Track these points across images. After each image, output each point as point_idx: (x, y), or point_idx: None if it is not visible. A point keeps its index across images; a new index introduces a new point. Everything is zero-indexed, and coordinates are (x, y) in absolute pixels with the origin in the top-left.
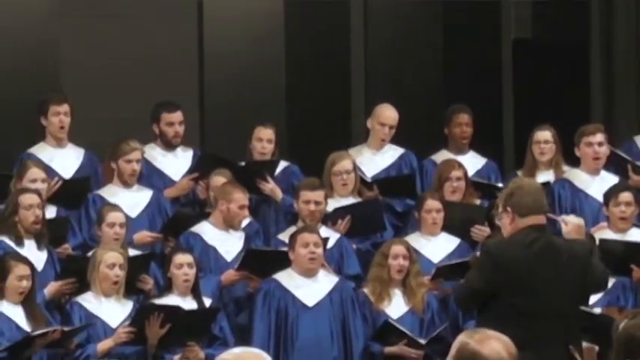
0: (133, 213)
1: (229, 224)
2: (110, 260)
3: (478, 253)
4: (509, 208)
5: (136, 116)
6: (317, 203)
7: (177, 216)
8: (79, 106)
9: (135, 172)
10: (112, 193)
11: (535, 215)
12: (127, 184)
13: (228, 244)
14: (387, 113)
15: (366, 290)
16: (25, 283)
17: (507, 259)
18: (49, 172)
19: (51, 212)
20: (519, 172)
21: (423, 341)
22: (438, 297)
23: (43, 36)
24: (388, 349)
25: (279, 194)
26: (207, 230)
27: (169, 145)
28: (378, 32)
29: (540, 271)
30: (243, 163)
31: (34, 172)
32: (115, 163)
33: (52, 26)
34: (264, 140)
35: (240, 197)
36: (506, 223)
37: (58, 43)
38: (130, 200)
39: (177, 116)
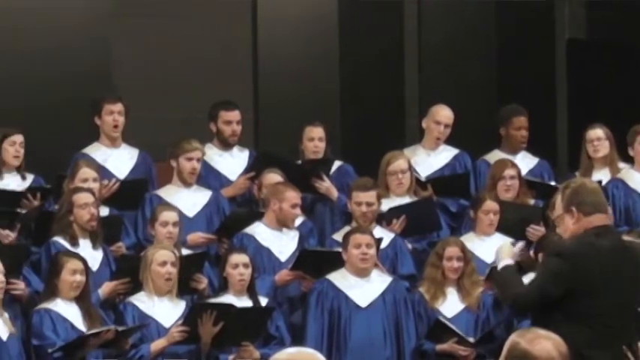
0: (191, 213)
1: (282, 224)
2: (162, 258)
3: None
4: (573, 208)
5: (190, 116)
6: (369, 204)
7: (231, 217)
8: (133, 106)
9: (195, 171)
10: (171, 192)
11: (600, 214)
12: (186, 184)
13: (282, 244)
14: (443, 112)
15: (421, 289)
16: (79, 277)
17: (582, 260)
18: (103, 172)
19: (103, 211)
20: (576, 173)
21: (472, 340)
22: (493, 296)
23: (97, 36)
24: (439, 347)
25: (334, 193)
26: (260, 231)
27: (226, 144)
28: (432, 32)
29: (611, 271)
30: (298, 162)
31: (86, 172)
32: (175, 160)
33: (106, 26)
34: (315, 139)
35: (293, 196)
36: (570, 223)
37: (111, 43)
38: (189, 200)
39: (235, 115)
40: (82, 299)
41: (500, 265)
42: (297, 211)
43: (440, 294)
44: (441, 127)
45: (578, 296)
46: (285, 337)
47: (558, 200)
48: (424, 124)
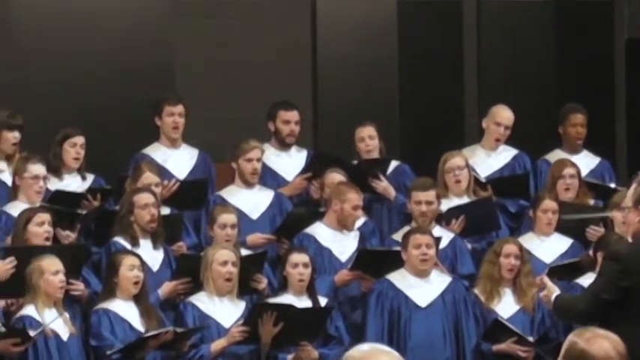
0: (255, 214)
1: (343, 224)
2: (223, 258)
3: (590, 252)
4: None
5: (249, 117)
6: (428, 203)
7: (290, 217)
8: (193, 107)
9: (256, 171)
10: (233, 193)
11: None
12: (248, 184)
13: (343, 244)
14: (504, 113)
15: (476, 290)
16: (137, 272)
17: (637, 262)
18: (163, 172)
19: (164, 211)
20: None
21: (531, 339)
22: None
23: (158, 37)
24: (497, 347)
25: (392, 192)
26: (320, 231)
27: (284, 144)
28: (491, 32)
29: None
30: (355, 162)
31: (149, 177)
32: (235, 163)
33: (166, 27)
34: (365, 138)
35: (354, 197)
36: (635, 221)
37: (172, 44)
38: (252, 201)
39: (294, 115)
40: (140, 299)
41: (552, 299)
42: (359, 212)
43: (495, 294)
44: (501, 128)
45: (635, 298)
46: (344, 337)
47: (630, 191)
48: (484, 125)
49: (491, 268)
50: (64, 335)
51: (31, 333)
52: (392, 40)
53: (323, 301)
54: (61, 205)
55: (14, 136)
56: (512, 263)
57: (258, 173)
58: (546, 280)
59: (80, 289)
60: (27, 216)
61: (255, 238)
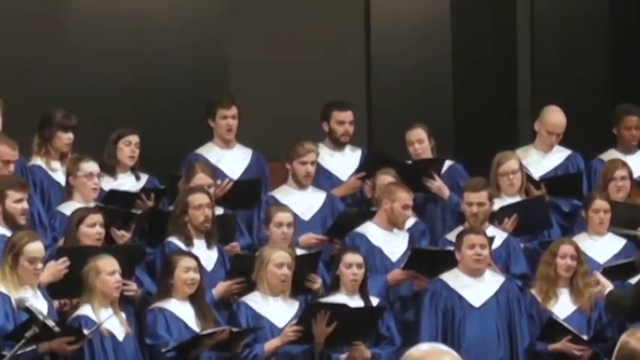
0: (307, 216)
1: (393, 224)
2: (279, 259)
3: None
4: None
5: (303, 116)
6: (480, 205)
7: (342, 217)
8: (246, 106)
9: (309, 174)
10: (286, 194)
11: None
12: (301, 186)
13: (394, 244)
14: (555, 121)
15: (533, 290)
16: (193, 274)
17: None
18: (217, 172)
19: (218, 210)
20: None
21: (586, 337)
22: None
23: (212, 37)
24: (552, 347)
25: (446, 192)
26: (372, 231)
27: (338, 144)
28: (545, 31)
29: None
30: (409, 162)
31: (201, 178)
32: (289, 164)
33: (219, 26)
34: (414, 142)
35: (404, 197)
36: None
37: (226, 44)
38: (304, 202)
39: (348, 115)
40: (195, 299)
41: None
42: (409, 212)
43: (552, 294)
44: (553, 137)
45: None
46: (396, 337)
47: None
48: (536, 128)
49: (547, 268)
50: (120, 335)
51: (86, 332)
52: (445, 40)
53: (374, 301)
54: (115, 204)
55: (68, 137)
56: (569, 264)
57: (312, 176)
58: (599, 276)
59: (133, 289)
60: (79, 216)
61: (308, 238)
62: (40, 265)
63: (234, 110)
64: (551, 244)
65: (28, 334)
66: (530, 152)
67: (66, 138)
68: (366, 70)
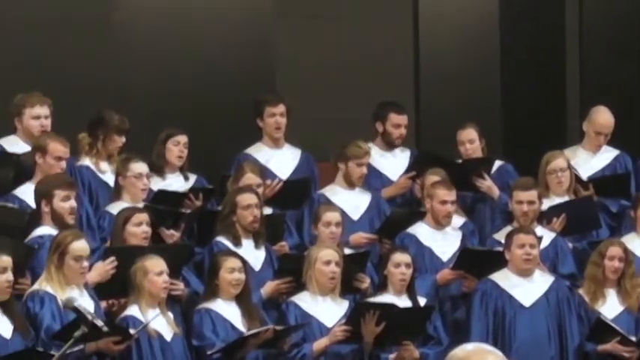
0: (355, 215)
1: (437, 222)
2: (326, 257)
3: None
4: None
5: (352, 117)
6: (530, 203)
7: (392, 217)
8: (295, 106)
9: (363, 176)
10: (335, 193)
11: None
12: (351, 186)
13: (444, 244)
14: (603, 121)
15: (581, 291)
16: (238, 275)
17: None
18: (266, 172)
19: (266, 210)
20: None
21: (634, 339)
22: None
23: (261, 37)
24: (601, 347)
25: (495, 192)
26: (422, 231)
27: (390, 146)
28: (594, 30)
29: None
30: (459, 161)
31: (250, 178)
32: (344, 163)
33: (269, 27)
34: (465, 142)
35: (442, 193)
36: None
37: (275, 44)
38: (352, 202)
39: (405, 119)
40: (242, 299)
41: None
42: (447, 207)
43: (600, 295)
44: (601, 137)
45: None
46: (443, 337)
47: None
48: (584, 128)
49: (595, 269)
50: (168, 335)
51: (132, 331)
52: (494, 39)
53: (422, 301)
54: (163, 205)
55: (122, 140)
56: (616, 266)
57: (363, 177)
58: None
59: (180, 289)
60: (125, 216)
61: (358, 237)
62: (85, 264)
63: (281, 108)
64: (599, 245)
65: (77, 333)
66: (578, 152)
67: (119, 141)
68: (415, 69)
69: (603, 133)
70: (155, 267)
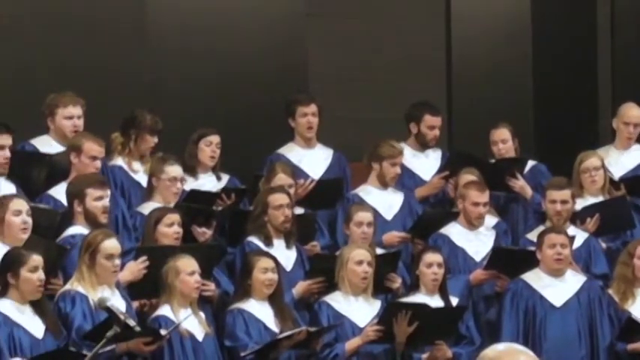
0: (389, 215)
1: (470, 223)
2: (358, 257)
3: None
4: None
5: (384, 117)
6: (563, 202)
7: (424, 217)
8: (327, 106)
9: (397, 176)
10: (368, 193)
11: None
12: (384, 186)
13: (477, 244)
14: (631, 112)
15: (610, 290)
16: (271, 275)
17: None
18: (298, 172)
19: (298, 210)
20: None
21: None
22: None
23: (292, 37)
24: (631, 347)
25: (528, 192)
26: (455, 231)
27: (424, 146)
28: (625, 30)
29: None
30: (492, 161)
31: (281, 179)
32: (377, 163)
33: (300, 27)
34: (498, 142)
35: (473, 194)
36: None
37: (306, 44)
38: (386, 202)
39: (439, 120)
40: (274, 299)
41: None
42: (480, 209)
43: (629, 294)
44: (630, 127)
45: None
46: (475, 336)
47: None
48: (614, 125)
49: (625, 269)
50: (200, 335)
51: (163, 332)
52: (526, 40)
53: (454, 301)
54: (196, 204)
55: (154, 140)
56: None
57: (397, 178)
58: None
59: (211, 290)
60: (156, 216)
61: (391, 237)
62: (117, 262)
63: (313, 107)
64: (628, 245)
65: (109, 333)
66: (610, 152)
67: (152, 141)
68: (447, 70)
69: (631, 122)
70: (187, 267)
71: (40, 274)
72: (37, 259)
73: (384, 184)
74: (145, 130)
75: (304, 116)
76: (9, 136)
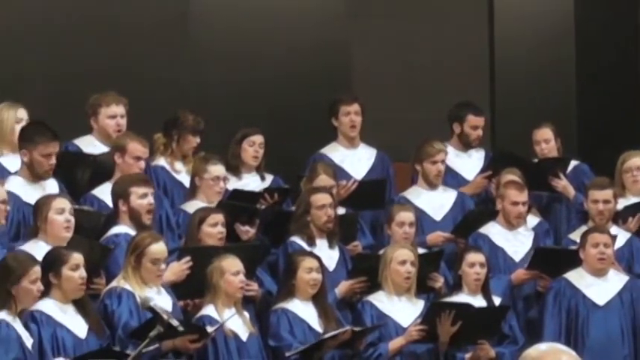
0: (438, 216)
1: (509, 222)
2: (401, 257)
3: None
4: None
5: (427, 117)
6: (605, 202)
7: (468, 216)
8: (370, 107)
9: (440, 173)
10: (417, 195)
11: None
12: (432, 186)
13: (516, 243)
14: None
15: None
16: (315, 275)
17: None
18: (340, 172)
19: (340, 210)
20: None
21: None
22: None
23: (335, 37)
24: None
25: (571, 191)
26: (495, 231)
27: (467, 147)
28: None
29: None
30: (535, 161)
31: (323, 180)
32: (419, 165)
33: (343, 28)
34: (541, 142)
35: (512, 194)
36: None
37: (349, 44)
38: (435, 202)
39: (482, 120)
40: (318, 299)
41: None
42: (519, 208)
43: None
44: None
45: None
46: (518, 336)
47: None
48: None
49: None
50: (244, 335)
51: (209, 329)
52: (569, 40)
53: (497, 300)
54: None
55: (196, 140)
56: None
57: (442, 175)
58: None
59: (255, 290)
60: (201, 216)
61: (436, 236)
62: (162, 266)
63: (356, 107)
64: None
65: (152, 333)
66: None
67: (194, 141)
68: (490, 70)
69: None
70: (232, 267)
71: (82, 272)
72: (78, 257)
73: (430, 184)
74: (187, 130)
75: (347, 115)
76: (57, 143)
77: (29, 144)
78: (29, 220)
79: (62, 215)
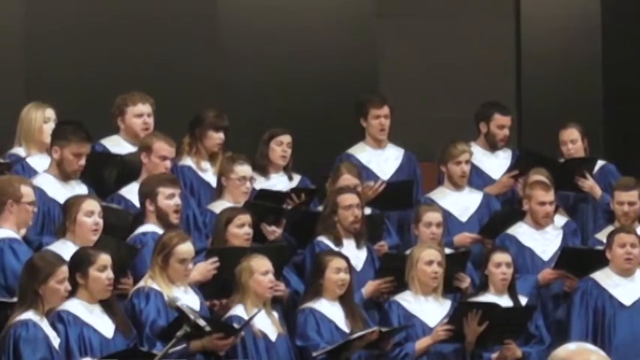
0: (464, 217)
1: (537, 222)
2: (428, 257)
3: None
4: None
5: (454, 116)
6: (631, 204)
7: (494, 217)
8: (398, 106)
9: (465, 174)
10: (443, 196)
11: None
12: (457, 187)
13: (545, 243)
14: None
15: None
16: (344, 275)
17: None
18: (367, 173)
19: (366, 210)
20: None
21: None
22: None
23: (363, 37)
24: None
25: (598, 191)
26: (522, 231)
27: (494, 147)
28: None
29: None
30: (562, 161)
31: (347, 179)
32: (444, 166)
33: (371, 27)
34: (567, 142)
35: (539, 194)
36: None
37: (377, 44)
38: (461, 203)
39: (509, 120)
40: (345, 299)
41: None
42: (546, 208)
43: None
44: None
45: None
46: (545, 335)
47: None
48: None
49: None
50: (272, 335)
51: (236, 326)
52: (596, 39)
53: (523, 300)
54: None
55: (220, 136)
56: None
57: (467, 176)
58: None
59: (282, 290)
60: (227, 217)
61: (463, 237)
62: (190, 266)
63: (386, 110)
64: None
65: (179, 333)
66: None
67: (217, 138)
68: (517, 69)
69: None
70: (261, 267)
71: (109, 273)
72: (105, 258)
73: (455, 185)
74: (208, 126)
75: (377, 118)
76: (89, 145)
77: (62, 141)
78: (54, 215)
79: (91, 218)
